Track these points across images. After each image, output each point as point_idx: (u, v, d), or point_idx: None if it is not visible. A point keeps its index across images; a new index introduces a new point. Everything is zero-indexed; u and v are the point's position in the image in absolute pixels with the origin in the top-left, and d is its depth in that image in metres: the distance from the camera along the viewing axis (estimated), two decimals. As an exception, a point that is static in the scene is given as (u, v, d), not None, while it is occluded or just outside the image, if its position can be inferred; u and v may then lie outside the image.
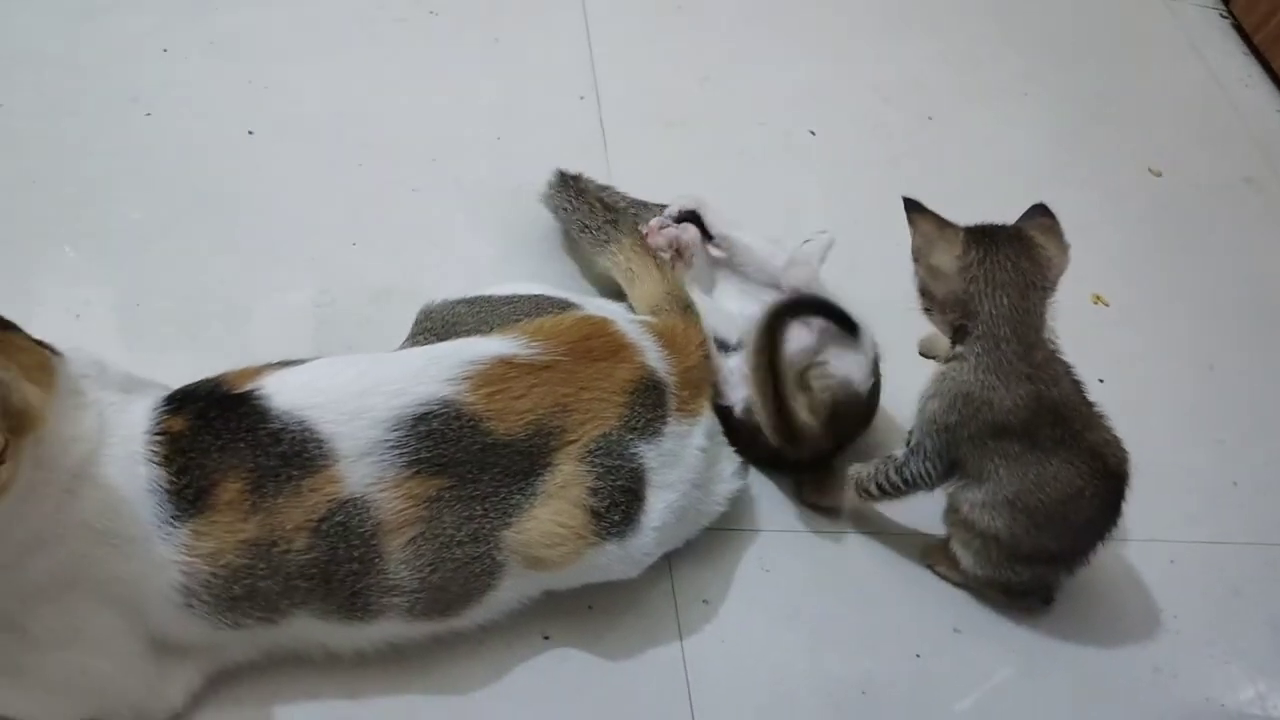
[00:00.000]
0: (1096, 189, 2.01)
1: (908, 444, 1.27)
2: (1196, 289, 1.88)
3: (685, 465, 1.18)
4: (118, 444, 0.95)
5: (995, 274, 1.18)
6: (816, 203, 1.79)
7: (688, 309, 1.32)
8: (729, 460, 1.28)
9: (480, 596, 1.10)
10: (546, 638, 1.19)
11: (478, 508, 1.07)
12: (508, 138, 1.71)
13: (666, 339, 1.23)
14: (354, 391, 1.04)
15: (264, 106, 1.62)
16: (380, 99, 1.70)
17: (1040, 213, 1.27)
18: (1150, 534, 1.48)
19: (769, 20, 2.11)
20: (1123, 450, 1.25)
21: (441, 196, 1.60)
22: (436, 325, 1.24)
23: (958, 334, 1.22)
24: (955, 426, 1.21)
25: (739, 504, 1.32)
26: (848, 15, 2.18)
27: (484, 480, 1.07)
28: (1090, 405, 1.25)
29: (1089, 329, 1.73)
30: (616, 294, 1.43)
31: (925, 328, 1.32)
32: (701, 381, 1.24)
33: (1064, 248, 1.23)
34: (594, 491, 1.10)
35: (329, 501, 1.01)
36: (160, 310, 1.36)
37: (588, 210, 1.46)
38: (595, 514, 1.10)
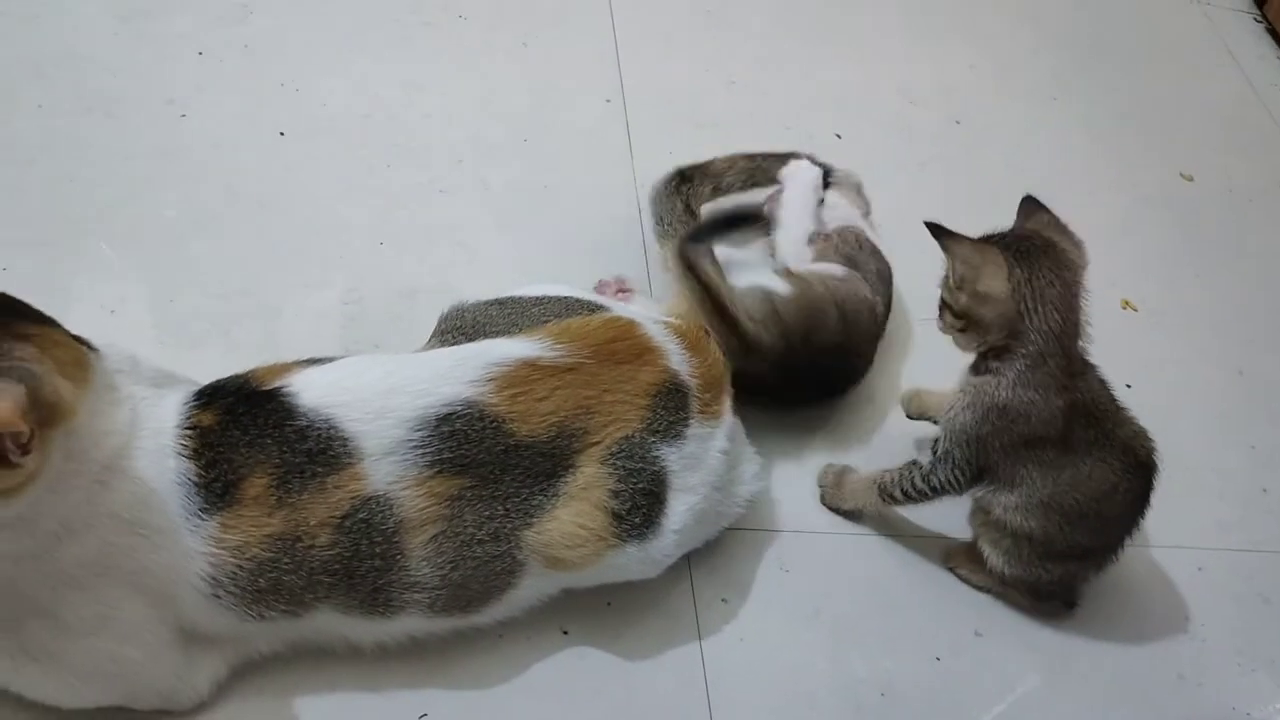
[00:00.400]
0: (1127, 193, 2.00)
1: (934, 451, 1.26)
2: (1227, 294, 1.86)
3: (707, 468, 1.19)
4: (148, 437, 0.97)
5: (1044, 291, 1.16)
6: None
7: None
8: (750, 462, 1.28)
9: (500, 594, 1.11)
10: (565, 633, 1.20)
11: (499, 507, 1.08)
12: (535, 140, 1.72)
13: (689, 340, 1.23)
14: (380, 391, 1.06)
15: (296, 108, 1.65)
16: (409, 101, 1.72)
17: (1037, 208, 1.26)
18: (1178, 540, 1.47)
19: (796, 25, 2.11)
20: (1150, 440, 1.25)
21: (469, 197, 1.62)
22: (467, 325, 1.25)
23: (995, 351, 1.21)
24: (987, 437, 1.21)
25: (759, 504, 1.33)
26: (875, 21, 2.19)
27: (506, 480, 1.08)
28: (1115, 401, 1.25)
29: (1118, 334, 1.72)
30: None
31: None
32: (723, 383, 1.25)
33: (1078, 243, 1.23)
34: (615, 494, 1.11)
35: (353, 498, 1.03)
36: (193, 307, 1.38)
37: (669, 207, 1.55)
38: (616, 516, 1.11)
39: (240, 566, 0.99)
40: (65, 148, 1.50)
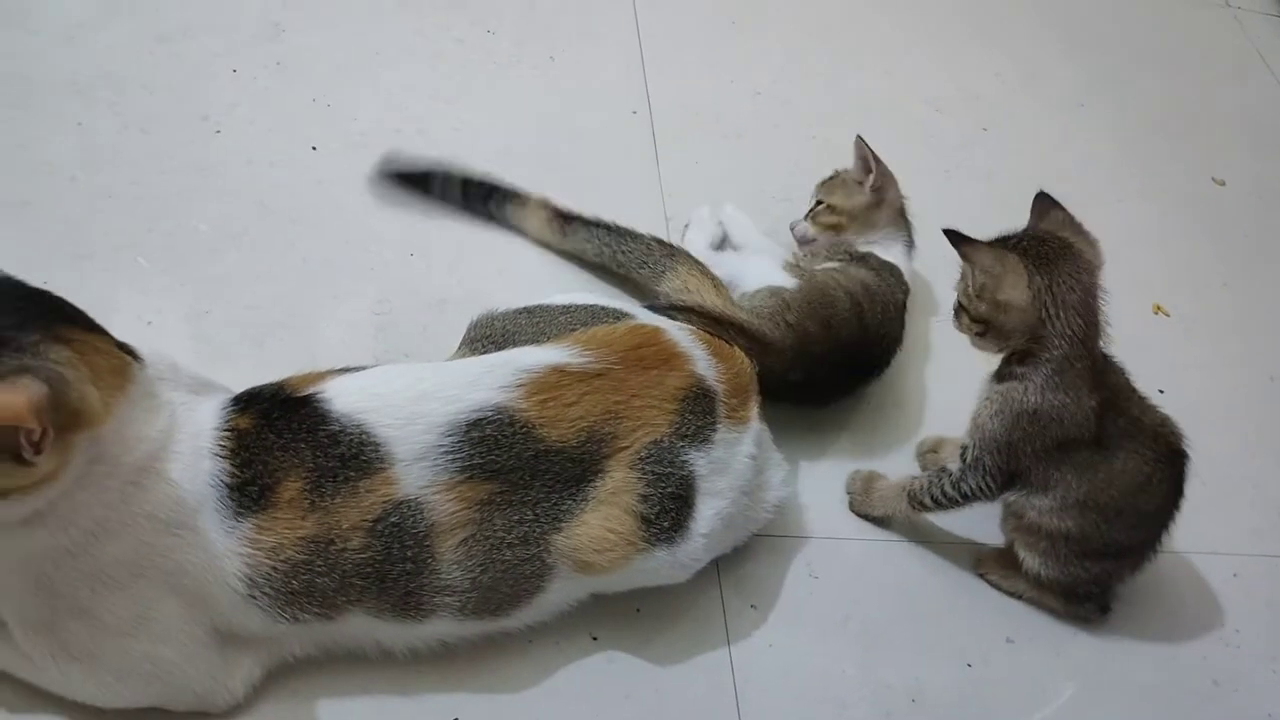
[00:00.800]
0: (1158, 199, 1.99)
1: (963, 458, 1.26)
2: (1259, 299, 1.85)
3: (734, 473, 1.19)
4: (186, 440, 1.00)
5: (1065, 296, 1.17)
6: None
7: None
8: (777, 468, 1.29)
9: (530, 598, 1.12)
10: (595, 639, 1.20)
11: (529, 512, 1.09)
12: (562, 152, 1.74)
13: (715, 347, 1.24)
14: (410, 397, 1.08)
15: (327, 123, 1.68)
16: (438, 115, 1.74)
17: (1051, 205, 1.26)
18: (1213, 546, 1.46)
19: (821, 35, 2.12)
20: (1176, 427, 1.26)
21: (497, 209, 1.63)
22: (496, 334, 1.26)
23: (1018, 356, 1.21)
24: (1018, 443, 1.21)
25: (787, 511, 1.34)
26: (900, 30, 2.19)
27: (535, 485, 1.09)
28: (1135, 390, 1.26)
29: (1150, 339, 1.72)
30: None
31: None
32: (750, 389, 1.25)
33: (1093, 242, 1.23)
34: (644, 498, 1.12)
35: (384, 502, 1.04)
36: (227, 318, 1.41)
37: (644, 250, 1.50)
38: (645, 520, 1.12)
39: (275, 568, 1.01)
40: (104, 164, 1.54)
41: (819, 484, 1.40)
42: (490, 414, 1.08)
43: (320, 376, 1.10)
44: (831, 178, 1.59)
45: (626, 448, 1.12)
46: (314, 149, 1.64)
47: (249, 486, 1.01)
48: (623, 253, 1.50)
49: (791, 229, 1.60)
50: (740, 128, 1.88)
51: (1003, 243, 1.20)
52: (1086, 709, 1.27)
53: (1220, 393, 1.67)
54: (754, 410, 1.24)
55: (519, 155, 1.71)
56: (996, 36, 2.23)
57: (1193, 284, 1.83)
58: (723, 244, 1.63)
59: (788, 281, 1.44)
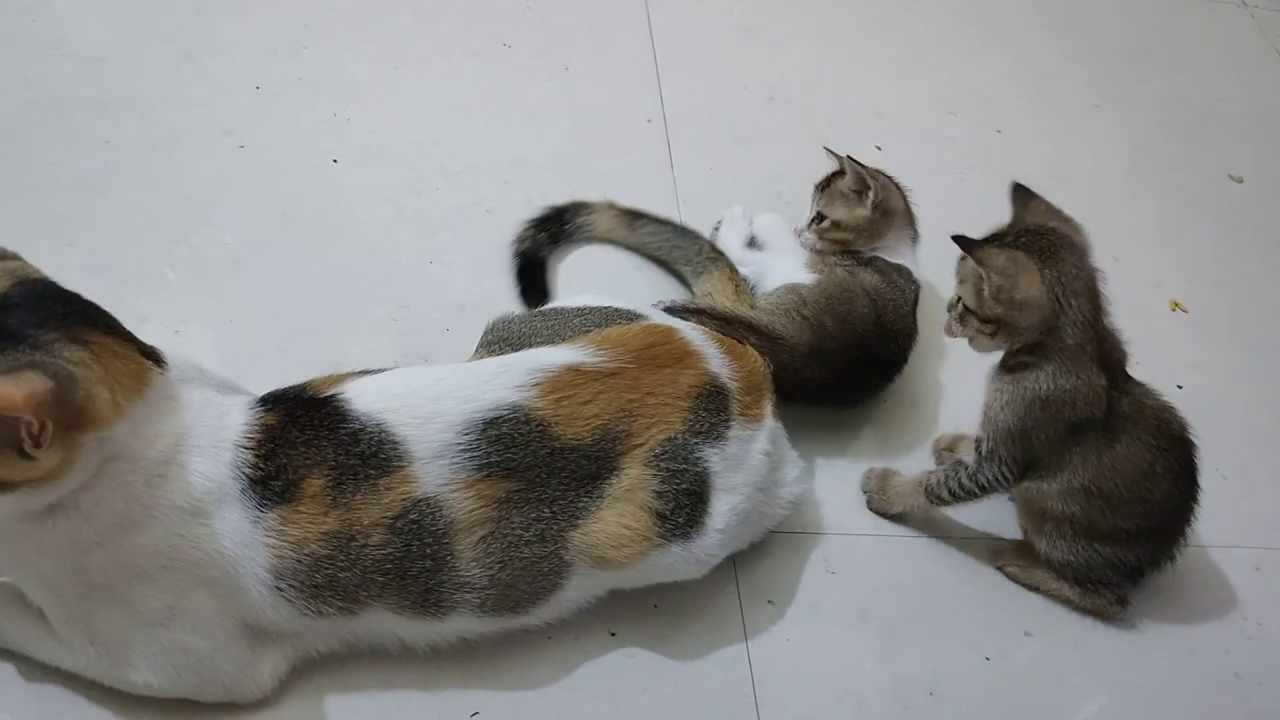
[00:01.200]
0: (1174, 196, 1.99)
1: (978, 450, 1.27)
2: (1277, 294, 1.84)
3: (749, 469, 1.21)
4: (210, 434, 1.03)
5: (1072, 285, 1.19)
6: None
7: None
8: (793, 465, 1.30)
9: (548, 595, 1.14)
10: (613, 635, 1.22)
11: (546, 510, 1.11)
12: (577, 160, 1.77)
13: (728, 346, 1.26)
14: (428, 396, 1.10)
15: (347, 136, 1.71)
16: (456, 127, 1.77)
17: (1030, 196, 1.28)
18: (1235, 540, 1.45)
19: (834, 40, 2.14)
20: (1179, 414, 1.27)
21: (514, 217, 1.65)
22: (512, 336, 1.29)
23: (1026, 347, 1.22)
24: (1032, 431, 1.22)
25: (804, 507, 1.35)
26: (913, 34, 2.21)
27: (552, 483, 1.11)
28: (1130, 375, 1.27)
29: (1168, 335, 1.71)
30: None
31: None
32: (764, 387, 1.27)
33: (1077, 226, 1.25)
34: (659, 494, 1.13)
35: (404, 500, 1.06)
36: (252, 326, 1.44)
37: (695, 250, 1.58)
38: (660, 516, 1.13)
39: (299, 561, 1.03)
40: (131, 180, 1.58)
41: (835, 481, 1.41)
42: (506, 412, 1.10)
43: (342, 378, 1.13)
44: (828, 185, 1.58)
45: (641, 445, 1.14)
46: (335, 161, 1.67)
47: (274, 480, 1.04)
48: (678, 249, 1.58)
49: (798, 236, 1.60)
50: (754, 133, 1.90)
51: (1000, 241, 1.22)
52: (1106, 702, 1.27)
53: (1239, 388, 1.67)
54: (768, 408, 1.26)
55: (535, 165, 1.74)
56: (1009, 39, 2.24)
57: (1210, 280, 1.83)
58: (751, 241, 1.65)
59: (808, 278, 1.46)
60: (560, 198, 1.68)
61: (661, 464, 1.14)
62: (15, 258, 1.01)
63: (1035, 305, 1.19)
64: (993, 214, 1.31)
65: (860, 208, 1.53)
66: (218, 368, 1.14)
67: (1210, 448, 1.41)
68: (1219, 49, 2.37)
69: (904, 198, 1.59)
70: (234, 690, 1.08)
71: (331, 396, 1.09)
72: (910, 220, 1.59)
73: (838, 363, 1.40)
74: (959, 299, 1.25)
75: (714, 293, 1.50)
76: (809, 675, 1.23)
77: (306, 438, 1.05)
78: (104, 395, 0.94)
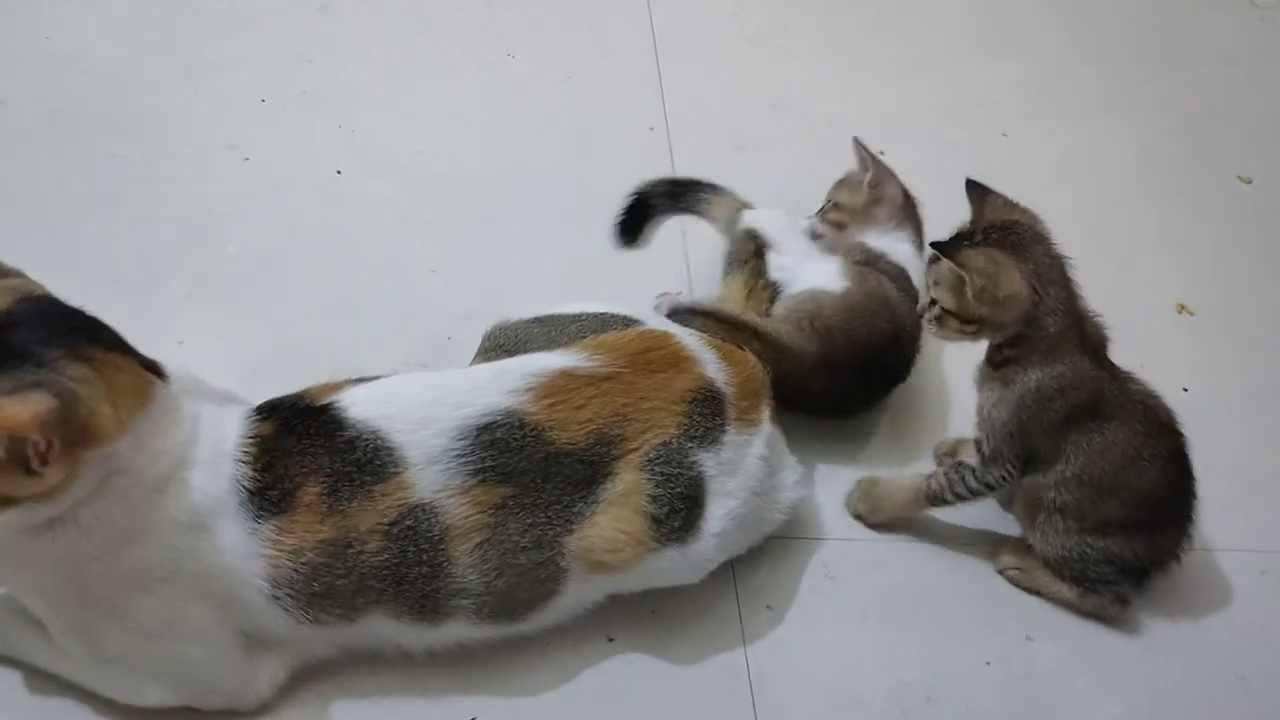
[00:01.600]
0: (1182, 198, 1.97)
1: (980, 451, 1.27)
2: (1285, 296, 1.82)
3: (745, 473, 1.21)
4: (209, 448, 1.04)
5: (1047, 274, 1.21)
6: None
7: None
8: (791, 470, 1.30)
9: (546, 601, 1.14)
10: (611, 640, 1.22)
11: (541, 515, 1.11)
12: (579, 169, 1.78)
13: (725, 351, 1.26)
14: (422, 403, 1.11)
15: (351, 148, 1.73)
16: (460, 137, 1.79)
17: (986, 192, 1.29)
18: (1240, 544, 1.44)
19: (838, 46, 2.15)
20: (1167, 405, 1.27)
21: (516, 226, 1.68)
22: (509, 343, 1.30)
23: (1008, 341, 1.23)
24: (1028, 424, 1.23)
25: (803, 512, 1.35)
26: (917, 39, 2.21)
27: (547, 488, 1.12)
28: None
29: (1174, 338, 1.70)
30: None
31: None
32: (761, 392, 1.27)
33: (1035, 215, 1.26)
34: (654, 499, 1.14)
35: (399, 506, 1.07)
36: (256, 336, 1.46)
37: (735, 250, 1.58)
38: (656, 520, 1.14)
39: (296, 570, 1.04)
40: (139, 193, 1.60)
41: (834, 486, 1.41)
42: (500, 418, 1.11)
43: (338, 386, 1.14)
44: (843, 179, 1.61)
45: (635, 449, 1.14)
46: (339, 173, 1.69)
47: (270, 491, 1.05)
48: (735, 248, 1.58)
49: (807, 222, 1.62)
50: (758, 140, 1.90)
51: (970, 240, 1.22)
52: (1108, 706, 1.25)
53: (1246, 390, 1.65)
54: (765, 412, 1.25)
55: (538, 174, 1.76)
56: (1013, 43, 2.24)
57: (1217, 282, 1.81)
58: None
59: (837, 286, 1.44)
60: (563, 206, 1.69)
61: (656, 468, 1.14)
62: (18, 274, 1.02)
63: (1017, 300, 1.20)
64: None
65: (860, 192, 1.54)
66: (222, 379, 1.16)
67: (1216, 451, 1.40)
68: (1228, 49, 2.36)
69: (907, 196, 1.59)
70: (233, 699, 1.09)
71: (328, 405, 1.10)
72: (914, 221, 1.59)
73: (844, 376, 1.40)
74: (933, 302, 1.25)
75: (727, 297, 1.51)
76: (808, 680, 1.23)
77: (302, 446, 1.07)
78: (107, 412, 0.95)
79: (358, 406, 1.10)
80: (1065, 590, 1.30)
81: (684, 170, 1.81)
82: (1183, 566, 1.33)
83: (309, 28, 1.92)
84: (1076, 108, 2.12)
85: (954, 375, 1.58)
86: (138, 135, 1.68)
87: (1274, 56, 2.35)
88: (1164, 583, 1.34)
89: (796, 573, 1.32)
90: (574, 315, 1.31)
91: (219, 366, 1.40)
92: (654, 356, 1.20)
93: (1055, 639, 1.30)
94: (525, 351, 1.24)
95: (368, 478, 1.07)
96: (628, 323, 1.29)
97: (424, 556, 1.08)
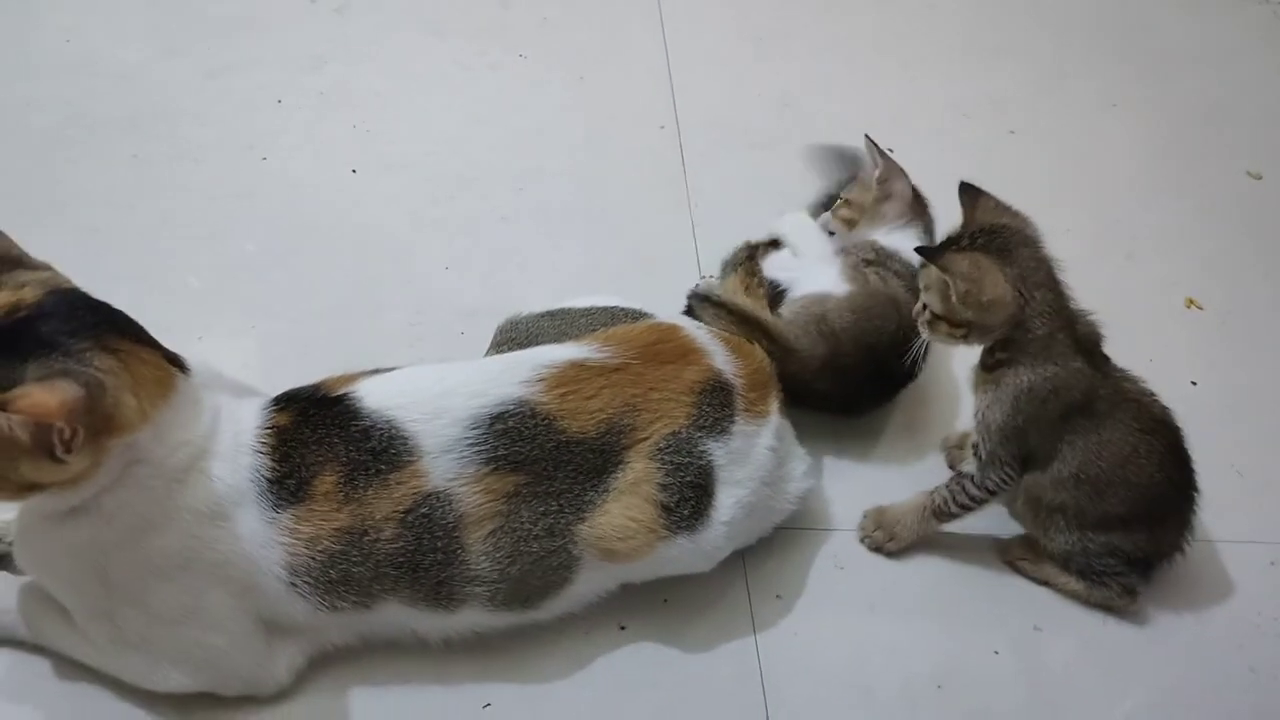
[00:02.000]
0: (1192, 193, 1.98)
1: (977, 457, 1.28)
2: (1294, 290, 1.82)
3: (754, 463, 1.22)
4: (228, 439, 1.06)
5: (1032, 277, 1.21)
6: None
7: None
8: (799, 460, 1.31)
9: (558, 589, 1.16)
10: (623, 629, 1.24)
11: (553, 503, 1.13)
12: (591, 168, 1.80)
13: (734, 344, 1.28)
14: (435, 393, 1.13)
15: (366, 148, 1.76)
16: (472, 136, 1.81)
17: (978, 193, 1.29)
18: (1249, 536, 1.44)
19: (846, 45, 2.16)
20: (1162, 403, 1.27)
21: (528, 224, 1.69)
22: (521, 336, 1.32)
23: (1000, 344, 1.24)
24: (1024, 425, 1.24)
25: (813, 503, 1.36)
26: (926, 38, 2.22)
27: (559, 477, 1.13)
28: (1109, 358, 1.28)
29: (1182, 333, 1.71)
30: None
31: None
32: (769, 384, 1.28)
33: (1026, 219, 1.27)
34: (664, 487, 1.15)
35: (414, 494, 1.09)
36: (272, 332, 1.48)
37: (736, 254, 1.61)
38: (666, 509, 1.15)
39: (313, 558, 1.06)
40: (158, 192, 1.63)
41: (844, 478, 1.42)
42: (512, 407, 1.13)
43: (353, 378, 1.16)
44: (853, 176, 1.62)
45: (645, 439, 1.16)
46: (354, 172, 1.72)
47: (287, 480, 1.07)
48: (730, 254, 1.62)
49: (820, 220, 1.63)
50: (768, 139, 1.92)
51: (958, 245, 1.23)
52: (1117, 697, 1.26)
53: (1254, 385, 1.65)
54: (774, 404, 1.27)
55: (550, 173, 1.78)
56: (1022, 41, 2.25)
57: (1226, 277, 1.82)
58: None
59: (841, 289, 1.45)
60: (574, 205, 1.71)
61: (666, 457, 1.16)
62: (47, 268, 1.04)
63: (1003, 304, 1.21)
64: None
65: (868, 189, 1.55)
66: (239, 372, 1.18)
67: (1225, 444, 1.41)
68: (1237, 45, 2.36)
69: (917, 193, 1.60)
70: (252, 684, 1.11)
71: (344, 395, 1.12)
72: (924, 219, 1.60)
73: (850, 379, 1.41)
74: (924, 306, 1.26)
75: (730, 290, 1.51)
76: (817, 669, 1.24)
77: (319, 436, 1.09)
78: (131, 402, 0.97)
79: (373, 397, 1.12)
80: (1073, 583, 1.31)
81: (692, 169, 1.83)
82: (1192, 559, 1.34)
83: (325, 30, 1.95)
84: (1086, 104, 2.13)
85: (964, 372, 1.58)
86: (157, 136, 1.71)
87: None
88: (1172, 574, 1.34)
89: (806, 563, 1.33)
90: (584, 309, 1.33)
91: (237, 360, 1.44)
92: (663, 348, 1.22)
93: (1064, 630, 1.30)
94: (537, 345, 1.26)
95: (383, 466, 1.09)
96: (637, 316, 1.31)
97: (438, 544, 1.10)
